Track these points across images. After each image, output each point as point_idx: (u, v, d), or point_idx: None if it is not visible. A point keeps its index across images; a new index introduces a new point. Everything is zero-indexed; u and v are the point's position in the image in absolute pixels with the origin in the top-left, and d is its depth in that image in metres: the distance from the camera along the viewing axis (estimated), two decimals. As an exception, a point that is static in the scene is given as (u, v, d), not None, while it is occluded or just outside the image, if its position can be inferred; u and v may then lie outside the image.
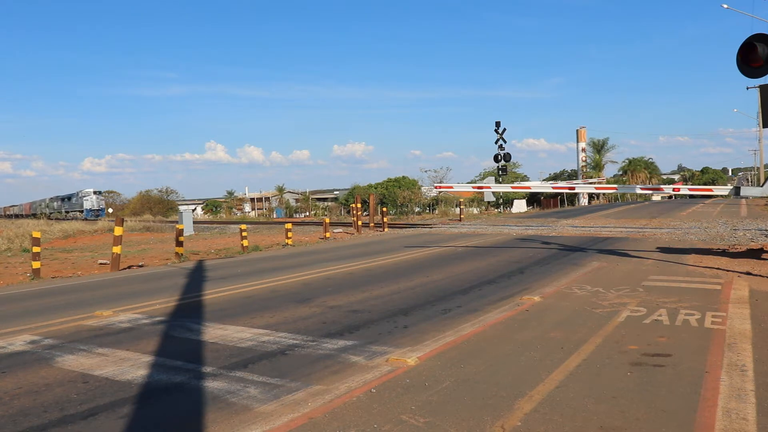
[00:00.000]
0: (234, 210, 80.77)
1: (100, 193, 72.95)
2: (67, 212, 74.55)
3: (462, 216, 33.77)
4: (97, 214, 66.65)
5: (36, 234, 12.97)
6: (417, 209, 51.75)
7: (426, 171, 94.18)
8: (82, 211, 68.80)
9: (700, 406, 3.75)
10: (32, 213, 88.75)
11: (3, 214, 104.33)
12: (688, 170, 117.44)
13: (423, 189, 54.85)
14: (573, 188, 23.66)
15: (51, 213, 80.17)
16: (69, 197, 76.29)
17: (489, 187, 22.11)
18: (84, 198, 70.00)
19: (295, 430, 3.58)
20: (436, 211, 48.55)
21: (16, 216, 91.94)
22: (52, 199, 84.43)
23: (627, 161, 77.18)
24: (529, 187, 23.88)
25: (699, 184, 78.67)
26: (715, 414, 3.60)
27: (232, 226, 36.00)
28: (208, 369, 4.94)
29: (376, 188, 57.29)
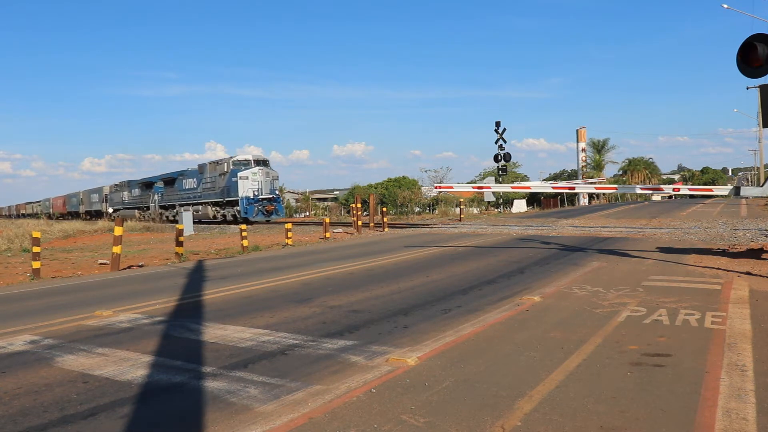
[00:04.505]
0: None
1: (266, 163, 34.06)
2: (164, 208, 40.55)
3: (462, 216, 33.75)
4: (270, 210, 32.90)
5: (36, 234, 12.97)
6: (417, 209, 51.74)
7: (426, 171, 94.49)
8: (226, 204, 33.97)
9: (700, 406, 3.75)
10: (72, 211, 60.62)
11: (17, 213, 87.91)
12: (688, 170, 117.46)
13: (423, 189, 54.81)
14: (573, 188, 23.65)
15: (118, 209, 48.42)
16: (171, 180, 40.30)
17: (489, 187, 22.07)
18: (239, 175, 32.52)
19: (295, 430, 3.58)
20: (436, 211, 48.53)
21: (37, 216, 67.73)
22: (118, 187, 50.11)
23: (627, 161, 77.31)
24: (529, 187, 23.86)
25: (699, 184, 78.65)
26: (715, 414, 3.60)
27: (232, 226, 35.96)
28: (208, 369, 4.94)
29: (376, 188, 57.28)
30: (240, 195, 32.31)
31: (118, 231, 13.32)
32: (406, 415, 3.73)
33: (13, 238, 24.86)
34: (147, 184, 44.79)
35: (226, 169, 33.83)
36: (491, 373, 4.56)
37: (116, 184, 51.59)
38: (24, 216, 78.77)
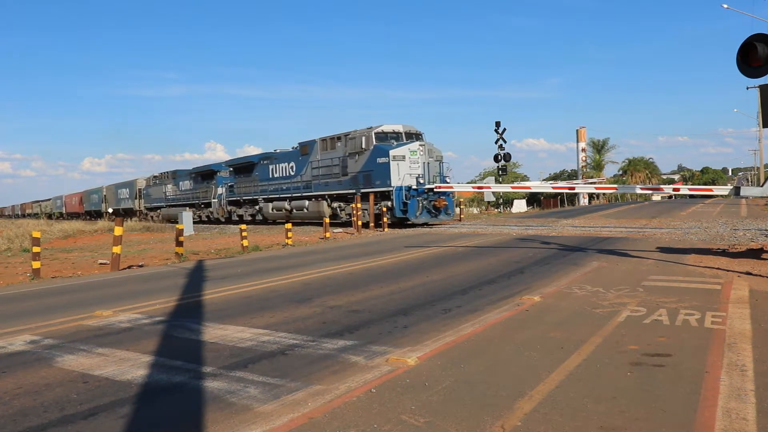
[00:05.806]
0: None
1: (419, 137, 22.89)
2: (235, 204, 31.46)
3: (462, 216, 33.73)
4: (439, 207, 22.09)
5: (36, 234, 12.98)
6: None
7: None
8: (362, 196, 22.31)
9: (700, 406, 3.75)
10: (91, 210, 53.54)
11: (21, 213, 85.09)
12: (688, 170, 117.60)
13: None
14: (573, 188, 23.69)
15: (159, 207, 39.49)
16: (247, 166, 30.52)
17: (489, 187, 22.06)
18: (391, 154, 21.46)
19: (295, 429, 3.58)
20: (436, 211, 48.41)
21: (48, 216, 60.37)
22: (158, 180, 40.62)
23: (627, 161, 77.27)
24: (529, 187, 23.92)
25: (699, 184, 78.66)
26: (715, 414, 3.60)
27: (232, 226, 35.95)
28: (208, 369, 4.94)
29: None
30: (393, 184, 21.40)
31: (118, 231, 13.32)
32: (406, 415, 3.73)
33: (13, 238, 24.88)
34: (204, 174, 34.07)
35: (364, 146, 22.48)
36: (491, 373, 4.56)
37: (155, 176, 41.55)
38: (29, 216, 74.77)
